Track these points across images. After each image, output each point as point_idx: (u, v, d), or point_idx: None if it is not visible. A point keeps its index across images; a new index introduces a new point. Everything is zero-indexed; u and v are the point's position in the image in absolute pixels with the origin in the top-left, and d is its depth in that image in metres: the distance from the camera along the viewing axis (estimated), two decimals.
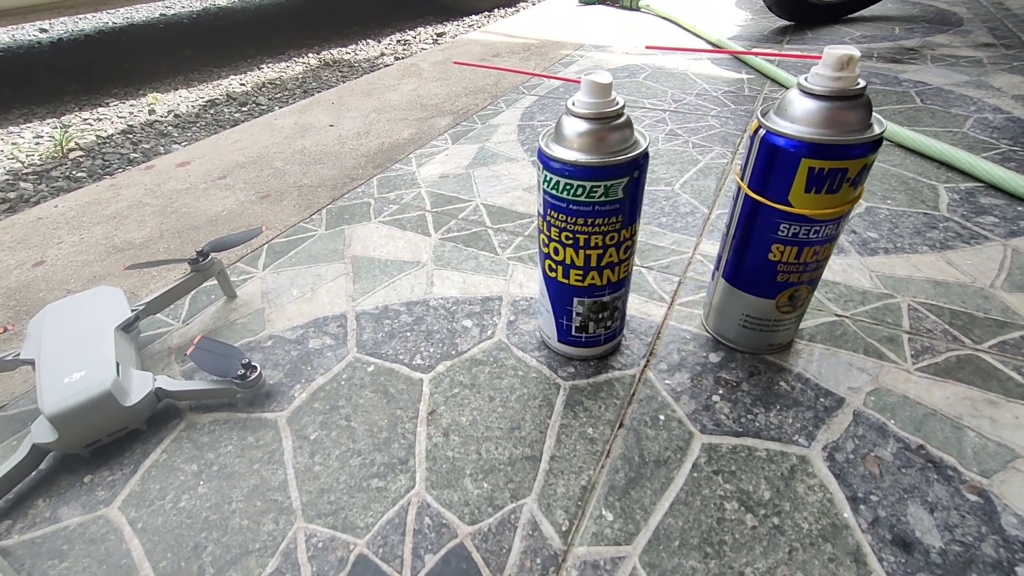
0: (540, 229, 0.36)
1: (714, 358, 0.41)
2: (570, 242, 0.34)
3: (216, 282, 0.50)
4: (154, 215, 0.67)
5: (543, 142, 0.32)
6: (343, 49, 1.89)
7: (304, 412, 0.39)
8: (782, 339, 0.40)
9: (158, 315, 0.50)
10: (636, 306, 0.47)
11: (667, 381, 0.39)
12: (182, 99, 1.49)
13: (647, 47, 0.34)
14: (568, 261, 0.35)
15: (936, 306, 0.45)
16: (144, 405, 0.37)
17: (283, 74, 1.66)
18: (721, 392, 0.38)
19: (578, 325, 0.38)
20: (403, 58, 1.65)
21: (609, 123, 0.30)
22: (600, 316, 0.38)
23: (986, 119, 0.78)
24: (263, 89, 1.53)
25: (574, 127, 0.30)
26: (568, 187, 0.31)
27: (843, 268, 0.50)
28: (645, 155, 0.32)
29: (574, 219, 0.32)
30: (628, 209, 0.33)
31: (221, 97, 1.48)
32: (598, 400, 0.38)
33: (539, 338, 0.44)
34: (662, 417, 0.37)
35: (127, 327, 0.42)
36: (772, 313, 0.37)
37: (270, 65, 1.75)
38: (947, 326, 0.42)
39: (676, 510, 0.31)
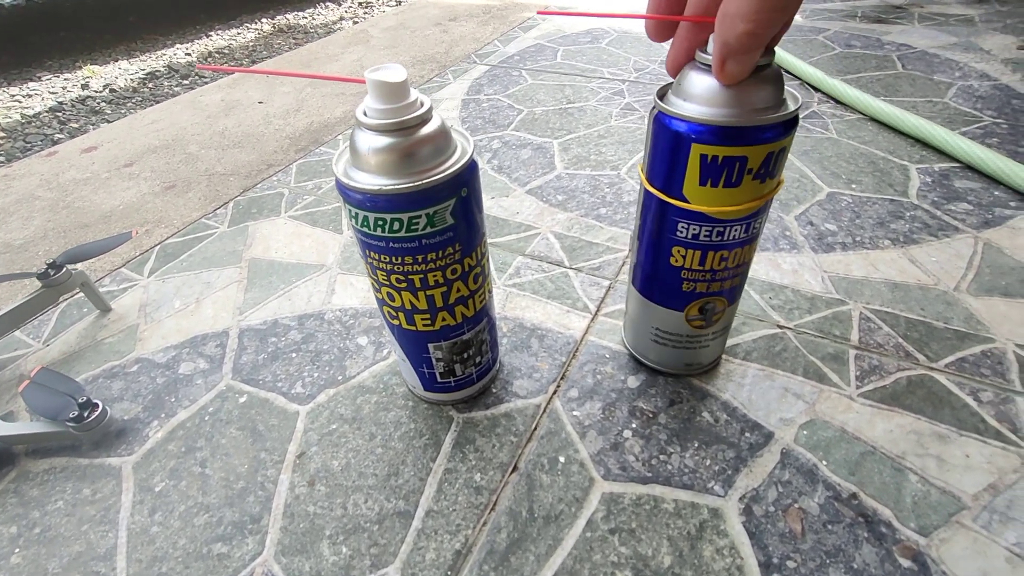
0: (367, 271, 0.29)
1: (633, 383, 0.36)
2: (404, 285, 0.27)
3: (83, 295, 0.44)
4: (43, 211, 0.60)
5: (339, 167, 0.25)
6: (299, 13, 1.76)
7: (156, 456, 0.34)
8: (703, 358, 0.34)
9: (17, 334, 0.44)
10: (555, 318, 0.41)
11: (575, 412, 0.34)
12: (121, 71, 1.38)
13: (538, 12, 0.28)
14: (409, 306, 0.28)
15: (891, 315, 0.39)
16: None
17: (232, 42, 1.54)
18: (635, 426, 0.33)
19: (443, 371, 0.32)
20: (360, 22, 1.53)
21: (413, 133, 0.23)
22: (465, 356, 0.32)
23: (971, 87, 0.71)
24: (209, 59, 1.42)
25: (369, 143, 0.23)
26: (381, 222, 0.24)
27: (793, 268, 0.44)
28: (471, 166, 0.25)
29: (400, 258, 0.26)
30: (464, 234, 0.26)
31: (163, 69, 1.37)
32: (493, 437, 0.33)
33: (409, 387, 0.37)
34: (562, 459, 0.32)
35: None
36: (683, 328, 0.32)
37: (220, 32, 1.63)
38: (900, 339, 0.37)
39: None
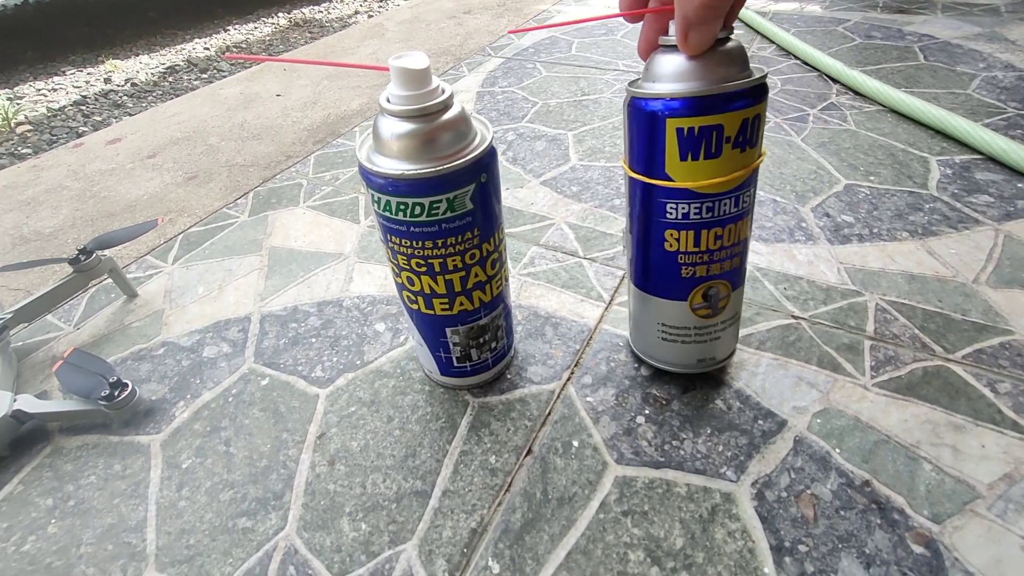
0: (387, 256, 0.30)
1: (645, 370, 0.36)
2: (423, 269, 0.28)
3: (111, 281, 0.46)
4: (71, 200, 0.62)
5: (362, 152, 0.26)
6: (315, 8, 1.78)
7: (182, 435, 0.35)
8: (716, 352, 0.34)
9: (48, 318, 0.45)
10: (569, 306, 0.42)
11: (589, 398, 0.35)
12: (142, 66, 1.41)
13: (510, 31, 0.29)
14: (428, 290, 0.29)
15: (908, 306, 0.39)
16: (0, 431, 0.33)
17: (250, 36, 1.56)
18: (648, 412, 0.34)
19: (459, 355, 0.33)
20: (375, 16, 1.54)
21: (435, 119, 0.24)
22: (481, 340, 0.33)
23: (995, 78, 0.70)
24: (229, 52, 1.44)
25: (392, 129, 0.24)
26: (402, 207, 0.25)
27: (808, 260, 0.44)
28: (491, 152, 0.26)
29: (420, 243, 0.26)
30: (483, 220, 0.27)
31: (182, 63, 1.39)
32: (507, 421, 0.34)
33: (422, 375, 0.37)
34: (575, 443, 0.32)
35: None
36: (689, 318, 0.32)
37: (237, 27, 1.65)
38: (917, 331, 0.37)
39: (573, 561, 0.27)
